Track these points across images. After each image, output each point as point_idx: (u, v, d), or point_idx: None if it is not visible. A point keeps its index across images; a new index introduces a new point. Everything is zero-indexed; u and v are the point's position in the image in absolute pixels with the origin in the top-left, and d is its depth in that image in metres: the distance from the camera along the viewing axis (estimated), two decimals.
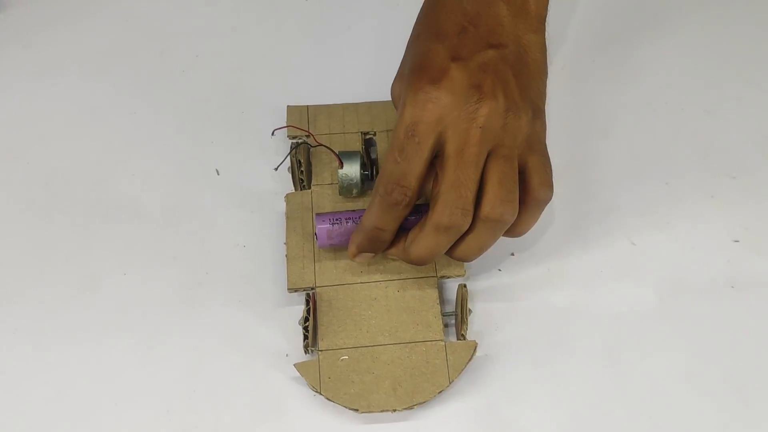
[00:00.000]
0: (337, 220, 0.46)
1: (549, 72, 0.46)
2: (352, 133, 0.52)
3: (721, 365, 0.46)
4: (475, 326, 0.47)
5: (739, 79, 0.57)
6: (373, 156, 0.52)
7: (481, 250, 0.44)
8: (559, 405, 0.45)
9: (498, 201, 0.41)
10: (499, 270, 0.49)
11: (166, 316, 0.48)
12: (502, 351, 0.47)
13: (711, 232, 0.51)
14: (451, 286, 0.49)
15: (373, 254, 0.46)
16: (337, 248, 0.47)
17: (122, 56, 0.59)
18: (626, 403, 0.45)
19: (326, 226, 0.46)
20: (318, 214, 0.47)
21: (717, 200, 0.52)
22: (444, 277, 0.48)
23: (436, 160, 0.42)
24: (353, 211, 0.47)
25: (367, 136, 0.53)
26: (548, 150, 0.45)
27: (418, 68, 0.42)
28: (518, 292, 0.49)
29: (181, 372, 0.46)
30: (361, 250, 0.45)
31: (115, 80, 0.58)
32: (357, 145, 0.52)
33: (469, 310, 0.46)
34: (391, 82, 0.46)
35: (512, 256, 0.50)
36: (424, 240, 0.43)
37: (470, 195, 0.41)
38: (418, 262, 0.44)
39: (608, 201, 0.52)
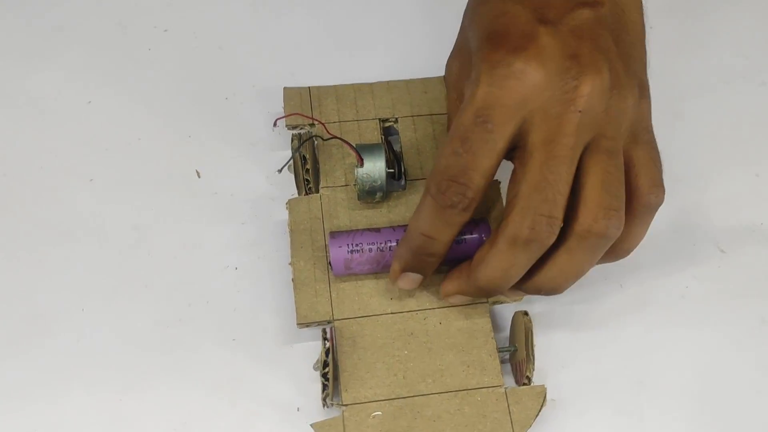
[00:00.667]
0: (357, 246, 0.36)
1: None
2: (368, 120, 0.42)
3: None
4: (536, 363, 0.37)
5: None
6: (395, 148, 0.42)
7: (575, 276, 0.34)
8: None
9: (601, 210, 0.31)
10: None
11: (139, 363, 0.37)
12: (573, 393, 0.37)
13: None
14: (502, 312, 0.39)
15: (422, 277, 0.35)
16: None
17: (72, 33, 0.47)
18: None
19: (344, 254, 0.36)
20: (332, 236, 0.36)
21: None
22: (497, 302, 0.37)
23: (513, 154, 0.32)
24: (377, 231, 0.37)
25: (387, 124, 0.42)
26: None
27: (494, 35, 0.32)
28: (585, 316, 0.39)
29: None
30: (406, 269, 0.35)
31: (65, 63, 0.46)
32: (375, 136, 0.41)
33: (534, 344, 0.36)
34: (412, 54, 0.39)
35: None
36: (495, 259, 0.32)
37: (560, 200, 0.31)
38: (486, 290, 0.34)
39: (688, 199, 0.42)
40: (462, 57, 0.36)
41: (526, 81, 0.31)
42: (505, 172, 0.35)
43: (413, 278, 0.36)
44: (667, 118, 0.44)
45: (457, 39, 0.37)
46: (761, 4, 0.49)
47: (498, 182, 0.40)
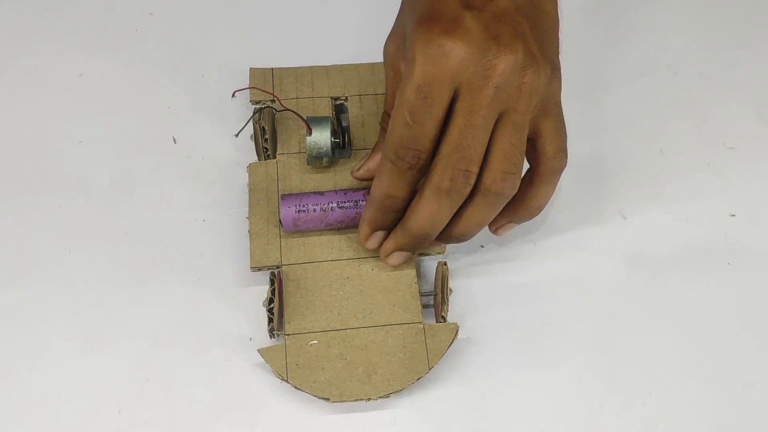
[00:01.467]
0: (303, 207, 0.42)
1: None
2: (322, 97, 0.48)
3: (717, 344, 0.43)
4: (455, 307, 0.43)
5: (735, 44, 0.54)
6: (344, 123, 0.48)
7: (478, 225, 0.40)
8: (547, 391, 0.41)
9: (500, 174, 0.38)
10: (482, 246, 0.46)
11: (115, 297, 0.43)
12: (486, 333, 0.43)
13: (707, 205, 0.47)
14: (430, 265, 0.45)
15: (386, 233, 0.42)
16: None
17: (67, 12, 0.54)
18: (619, 387, 0.42)
19: (292, 213, 0.42)
20: (283, 197, 0.42)
21: (713, 171, 0.49)
22: (422, 254, 0.44)
23: None
24: (321, 194, 0.43)
25: (338, 102, 0.48)
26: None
27: (427, 18, 0.37)
28: (502, 269, 0.45)
29: (131, 360, 0.42)
30: (374, 229, 0.41)
31: (60, 39, 0.52)
32: (327, 111, 0.47)
33: (450, 290, 0.42)
34: (370, 41, 0.43)
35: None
36: (424, 207, 0.39)
37: (475, 159, 0.37)
38: (418, 238, 0.40)
39: (599, 171, 0.48)
40: (398, 39, 0.41)
41: (454, 58, 0.36)
42: None
43: (380, 236, 0.42)
44: (586, 102, 0.51)
45: (395, 23, 0.43)
46: (679, 4, 0.55)
47: None
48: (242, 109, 0.49)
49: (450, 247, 0.44)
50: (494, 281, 0.45)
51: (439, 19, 0.37)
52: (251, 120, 0.46)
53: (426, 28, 0.37)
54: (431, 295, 0.43)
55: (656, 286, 0.45)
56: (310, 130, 0.44)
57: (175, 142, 0.49)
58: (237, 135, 0.46)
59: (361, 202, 0.42)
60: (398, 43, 0.41)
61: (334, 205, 0.42)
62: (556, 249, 0.46)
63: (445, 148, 0.37)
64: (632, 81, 0.52)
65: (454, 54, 0.36)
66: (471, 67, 0.36)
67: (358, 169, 0.44)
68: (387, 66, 0.43)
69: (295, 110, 0.46)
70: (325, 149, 0.44)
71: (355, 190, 0.43)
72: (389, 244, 0.42)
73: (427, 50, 0.36)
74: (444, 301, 0.41)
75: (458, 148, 0.37)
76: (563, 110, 0.41)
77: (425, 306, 0.43)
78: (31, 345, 0.42)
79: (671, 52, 0.53)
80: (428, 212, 0.39)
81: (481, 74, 0.37)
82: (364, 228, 0.42)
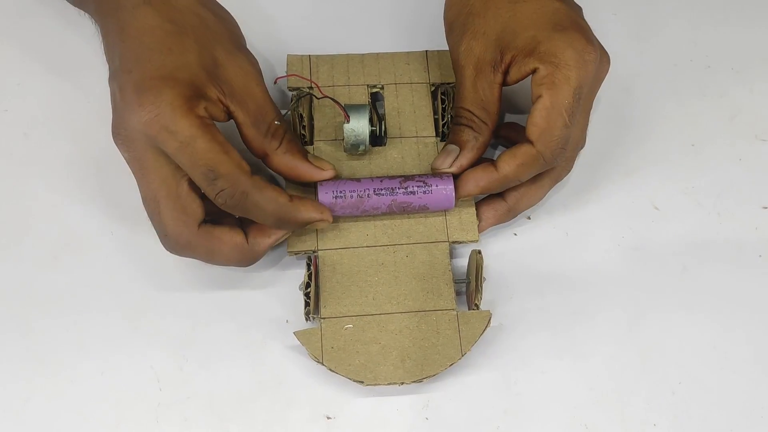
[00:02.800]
0: (341, 193, 0.43)
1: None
2: (358, 85, 0.49)
3: (747, 336, 0.43)
4: (488, 294, 0.44)
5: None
6: (380, 111, 0.48)
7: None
8: (577, 378, 0.42)
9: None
10: (515, 234, 0.46)
11: (157, 280, 0.44)
12: (518, 321, 0.44)
13: (738, 198, 0.48)
14: (463, 252, 0.46)
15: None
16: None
17: None
18: (649, 375, 0.42)
19: (329, 199, 0.43)
20: (321, 183, 0.43)
21: (745, 164, 0.49)
22: (456, 242, 0.44)
23: None
24: (358, 181, 0.43)
25: (374, 90, 0.49)
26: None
27: (566, 28, 0.42)
28: (535, 258, 0.46)
29: (172, 340, 0.43)
30: (482, 193, 0.44)
31: None
32: (363, 99, 0.48)
33: (484, 278, 0.43)
34: (405, 30, 0.45)
35: (528, 220, 0.47)
36: (539, 192, 0.45)
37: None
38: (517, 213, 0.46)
39: (630, 163, 0.49)
40: (485, 41, 0.43)
41: (592, 64, 0.41)
42: None
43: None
44: (616, 95, 0.51)
45: (471, 22, 0.44)
46: None
47: None
48: (281, 96, 0.50)
49: (483, 235, 0.45)
50: (526, 270, 0.45)
51: (581, 28, 0.42)
52: (291, 107, 0.46)
53: (573, 38, 0.41)
54: (464, 282, 0.44)
55: (687, 278, 0.45)
56: (349, 117, 0.45)
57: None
58: (278, 123, 0.46)
59: (397, 190, 0.43)
60: (486, 44, 0.43)
61: (371, 191, 0.43)
62: (588, 239, 0.46)
63: (571, 146, 0.43)
64: (664, 73, 0.52)
65: (592, 59, 0.41)
66: (594, 73, 0.42)
67: (451, 165, 0.44)
68: (467, 64, 0.44)
69: (333, 97, 0.46)
70: (362, 137, 0.45)
71: (391, 177, 0.44)
72: (489, 213, 0.45)
73: (582, 57, 0.41)
74: (478, 290, 0.42)
75: (578, 145, 0.45)
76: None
77: (458, 293, 0.44)
78: (77, 324, 0.43)
79: (704, 45, 0.53)
80: (540, 197, 0.45)
81: (596, 78, 0.43)
82: (472, 187, 0.43)
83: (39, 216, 0.46)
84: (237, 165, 0.39)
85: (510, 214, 0.45)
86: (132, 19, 0.41)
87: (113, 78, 0.41)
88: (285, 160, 0.42)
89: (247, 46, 0.45)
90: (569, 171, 0.46)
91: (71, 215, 0.46)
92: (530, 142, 0.42)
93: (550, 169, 0.44)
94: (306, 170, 0.43)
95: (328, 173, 0.43)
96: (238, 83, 0.41)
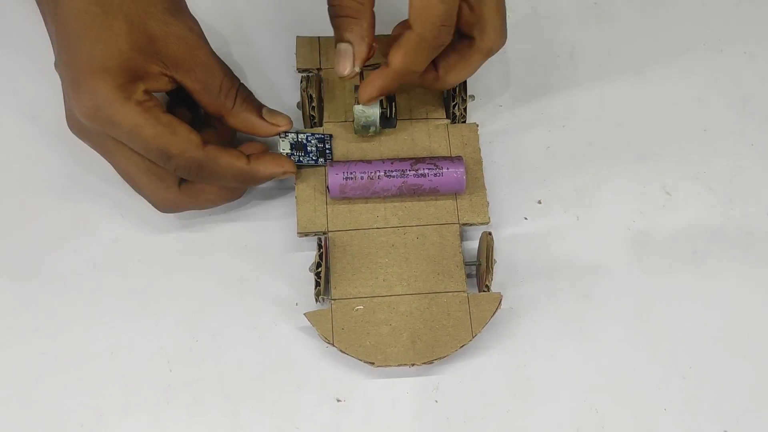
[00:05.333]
0: (351, 174, 0.42)
1: (578, 7, 0.45)
2: (367, 66, 0.48)
3: (758, 321, 0.43)
4: (498, 278, 0.44)
5: None
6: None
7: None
8: (587, 362, 0.42)
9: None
10: (525, 218, 0.46)
11: (165, 262, 0.44)
12: (528, 304, 0.44)
13: (750, 183, 0.47)
14: (474, 235, 0.45)
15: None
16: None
17: None
18: (659, 360, 0.42)
19: (339, 180, 0.42)
20: (331, 164, 0.43)
21: (757, 150, 0.49)
22: (467, 224, 0.44)
23: None
24: (368, 162, 0.43)
25: None
26: (577, 91, 0.46)
27: None
28: (545, 242, 0.45)
29: (182, 322, 0.43)
30: (382, 94, 0.43)
31: None
32: None
33: (495, 260, 0.42)
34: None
35: (539, 204, 0.46)
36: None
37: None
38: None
39: (642, 148, 0.48)
40: None
41: None
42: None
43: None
44: (627, 77, 0.51)
45: None
46: None
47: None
48: (289, 78, 0.50)
49: (493, 219, 0.45)
50: (537, 253, 0.45)
51: None
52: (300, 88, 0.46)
53: None
54: (475, 264, 0.44)
55: (698, 263, 0.45)
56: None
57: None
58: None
59: (408, 172, 0.43)
60: None
61: (381, 173, 0.43)
62: (599, 223, 0.46)
63: (484, 15, 0.42)
64: (676, 57, 0.52)
65: None
66: None
67: (354, 65, 0.42)
68: None
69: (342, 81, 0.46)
70: (373, 118, 0.44)
71: (401, 160, 0.44)
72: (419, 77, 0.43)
73: None
74: (489, 270, 0.42)
75: (495, 12, 0.42)
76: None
77: (468, 276, 0.44)
78: (86, 304, 0.43)
79: (716, 29, 0.53)
80: (470, 71, 0.44)
81: None
82: (370, 92, 0.42)
83: (48, 197, 0.46)
84: (186, 141, 0.40)
85: (440, 84, 0.44)
86: (60, 3, 0.40)
87: (56, 67, 0.41)
88: (240, 118, 0.43)
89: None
90: (503, 42, 0.43)
91: (81, 197, 0.46)
92: (410, 27, 0.40)
93: (475, 42, 0.42)
94: (261, 126, 0.43)
95: (283, 127, 0.43)
96: (179, 53, 0.41)
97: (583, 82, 0.50)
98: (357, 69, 0.42)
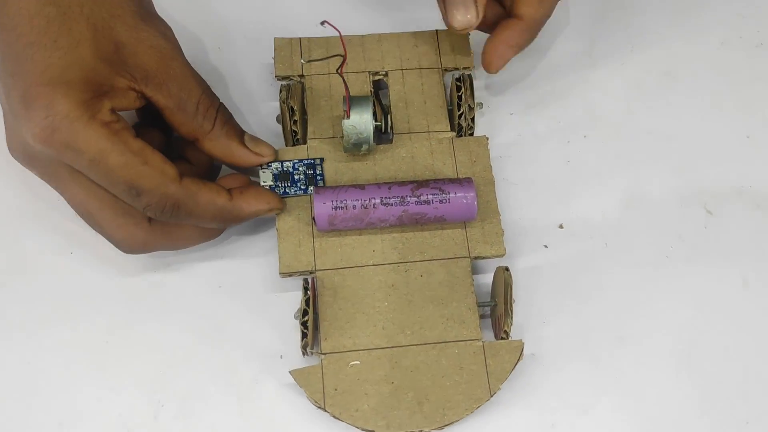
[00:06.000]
0: (341, 202, 0.36)
1: None
2: (358, 72, 0.42)
3: None
4: (517, 318, 0.37)
5: None
6: (384, 102, 0.41)
7: None
8: (627, 419, 0.36)
9: None
10: (545, 246, 0.40)
11: (124, 307, 0.38)
12: (554, 349, 0.37)
13: None
14: (484, 267, 0.39)
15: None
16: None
17: None
18: (712, 415, 0.36)
19: (328, 210, 0.36)
20: (317, 191, 0.36)
21: None
22: (479, 257, 0.37)
23: None
24: (362, 188, 0.36)
25: (377, 77, 0.42)
26: (599, 94, 0.42)
27: None
28: (570, 274, 0.39)
29: (145, 381, 0.36)
30: (517, 53, 0.39)
31: None
32: (365, 89, 0.41)
33: (513, 299, 0.36)
34: (412, 6, 0.38)
35: (561, 229, 0.40)
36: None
37: None
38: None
39: (677, 159, 0.42)
40: None
41: None
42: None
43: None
44: (658, 79, 0.44)
45: None
46: None
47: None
48: (266, 86, 0.43)
49: (508, 248, 0.38)
50: (560, 287, 0.39)
51: None
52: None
53: None
54: (489, 305, 0.37)
55: (751, 295, 0.39)
56: (348, 112, 0.38)
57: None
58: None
59: (409, 199, 0.36)
60: None
61: (377, 201, 0.36)
62: (631, 249, 0.40)
63: None
64: (711, 52, 0.45)
65: None
66: None
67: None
68: None
69: (329, 89, 0.39)
70: (365, 135, 0.38)
71: (400, 184, 0.37)
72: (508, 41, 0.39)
73: None
74: (507, 314, 0.35)
75: None
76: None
77: (481, 316, 0.37)
78: (26, 366, 0.36)
79: (754, 19, 0.46)
80: None
81: None
82: (505, 51, 0.39)
83: None
84: (161, 174, 0.33)
85: (530, 32, 0.39)
86: (5, 3, 0.33)
87: None
88: (220, 144, 0.37)
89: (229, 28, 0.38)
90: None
91: (22, 230, 0.39)
92: None
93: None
94: (242, 155, 0.37)
95: (267, 158, 0.38)
96: (151, 64, 0.34)
97: (605, 83, 0.44)
98: (479, 16, 0.36)
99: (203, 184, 0.35)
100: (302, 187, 0.38)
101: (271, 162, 0.38)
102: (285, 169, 0.38)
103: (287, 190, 0.38)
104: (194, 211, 0.35)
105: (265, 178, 0.38)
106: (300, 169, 0.38)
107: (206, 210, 0.35)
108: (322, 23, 0.37)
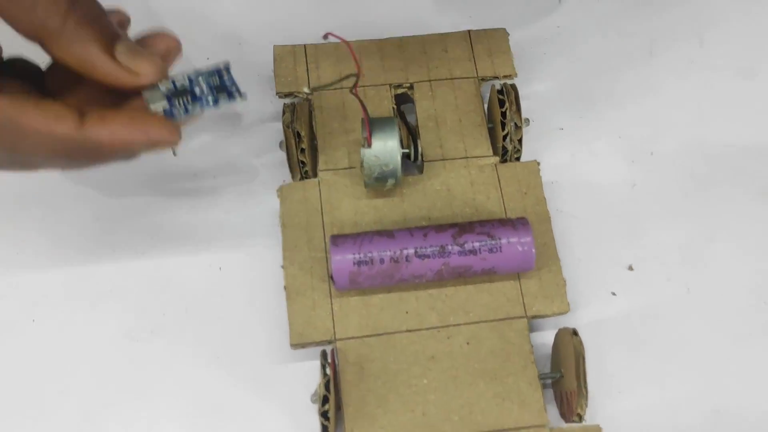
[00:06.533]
0: (366, 257, 0.28)
1: None
2: (377, 86, 0.34)
3: None
4: None
5: None
6: (410, 121, 0.34)
7: None
8: None
9: None
10: (613, 294, 0.32)
11: (101, 385, 0.31)
12: (635, 427, 0.30)
13: None
14: (539, 325, 0.32)
15: None
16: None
17: None
18: None
19: (349, 266, 0.28)
20: (335, 242, 0.29)
21: None
22: (537, 316, 0.30)
23: None
24: (390, 236, 0.29)
25: (399, 90, 0.34)
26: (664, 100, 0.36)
27: None
28: (646, 328, 0.32)
29: None
30: None
31: None
32: (385, 105, 0.34)
33: (586, 371, 0.29)
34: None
35: (630, 271, 0.33)
36: None
37: None
38: None
39: (765, 177, 0.35)
40: None
41: None
42: None
43: None
44: (734, 76, 0.37)
45: None
46: None
47: None
48: (265, 104, 0.36)
49: (569, 300, 0.31)
50: (635, 346, 0.32)
51: None
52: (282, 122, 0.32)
53: None
54: (552, 378, 0.30)
55: None
56: (370, 138, 0.30)
57: (174, 155, 0.35)
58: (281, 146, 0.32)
59: (450, 248, 0.29)
60: None
61: (411, 252, 0.29)
62: (719, 293, 0.33)
63: None
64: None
65: None
66: None
67: None
68: None
69: (343, 106, 0.32)
70: (392, 166, 0.30)
71: (438, 228, 0.30)
72: None
73: None
74: (581, 393, 0.28)
75: None
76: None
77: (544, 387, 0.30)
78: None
79: None
80: None
81: None
82: None
83: None
84: None
85: None
86: None
87: None
88: (72, 51, 0.26)
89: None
90: None
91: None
92: None
93: None
94: (108, 71, 0.26)
95: (146, 78, 0.26)
96: None
97: (670, 86, 0.37)
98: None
99: (34, 104, 0.25)
100: (208, 99, 0.27)
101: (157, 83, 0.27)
102: (180, 85, 0.27)
103: (188, 109, 0.27)
104: (17, 145, 0.25)
105: (154, 103, 0.26)
106: (199, 80, 0.28)
107: (37, 142, 0.25)
108: (325, 36, 0.29)
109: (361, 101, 0.30)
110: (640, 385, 0.31)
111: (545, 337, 0.31)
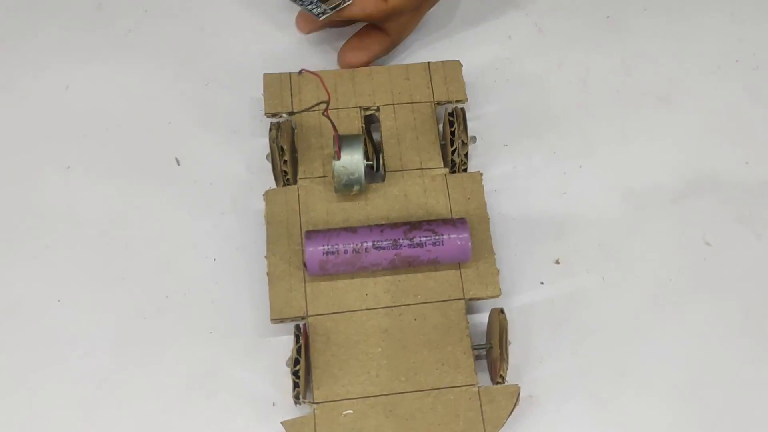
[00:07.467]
0: (333, 247, 0.35)
1: (589, 23, 0.40)
2: (348, 108, 0.41)
3: None
4: (513, 358, 0.36)
5: None
6: (376, 137, 0.41)
7: None
8: None
9: None
10: (542, 283, 0.39)
11: (114, 355, 0.37)
12: (552, 390, 0.37)
13: None
14: (478, 306, 0.38)
15: None
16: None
17: (50, 12, 0.46)
18: None
19: (318, 255, 0.35)
20: (308, 235, 0.36)
21: None
22: (474, 298, 0.37)
23: None
24: (353, 232, 0.36)
25: (368, 112, 0.41)
26: (594, 123, 0.41)
27: None
28: (567, 310, 0.38)
29: (137, 429, 0.35)
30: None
31: (40, 43, 0.45)
32: (356, 125, 0.40)
33: (509, 341, 0.35)
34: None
35: (557, 265, 0.39)
36: None
37: None
38: None
39: (675, 189, 0.41)
40: None
41: None
42: None
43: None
44: (652, 102, 0.43)
45: None
46: None
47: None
48: (255, 122, 0.43)
49: (504, 285, 0.37)
50: (558, 325, 0.38)
51: None
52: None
53: None
54: (484, 348, 0.36)
55: (753, 327, 0.38)
56: (339, 152, 0.37)
57: (178, 165, 0.42)
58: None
59: (401, 242, 0.36)
60: None
61: (369, 245, 0.36)
62: (630, 284, 0.39)
63: None
64: (706, 77, 0.44)
65: None
66: None
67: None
68: None
69: (320, 126, 0.38)
70: (356, 175, 0.37)
71: (393, 226, 0.36)
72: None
73: None
74: (503, 358, 0.35)
75: None
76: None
77: (476, 358, 0.36)
78: (17, 414, 0.35)
79: (750, 42, 0.45)
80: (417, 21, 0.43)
81: None
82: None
83: None
84: None
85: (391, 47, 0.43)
86: None
87: None
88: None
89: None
90: None
91: (8, 279, 0.38)
92: None
93: None
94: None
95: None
96: None
97: (600, 111, 0.43)
98: None
99: None
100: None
101: None
102: None
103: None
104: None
105: None
106: None
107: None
108: (300, 72, 0.36)
109: (332, 121, 0.36)
110: (558, 355, 0.37)
111: (483, 318, 0.38)
